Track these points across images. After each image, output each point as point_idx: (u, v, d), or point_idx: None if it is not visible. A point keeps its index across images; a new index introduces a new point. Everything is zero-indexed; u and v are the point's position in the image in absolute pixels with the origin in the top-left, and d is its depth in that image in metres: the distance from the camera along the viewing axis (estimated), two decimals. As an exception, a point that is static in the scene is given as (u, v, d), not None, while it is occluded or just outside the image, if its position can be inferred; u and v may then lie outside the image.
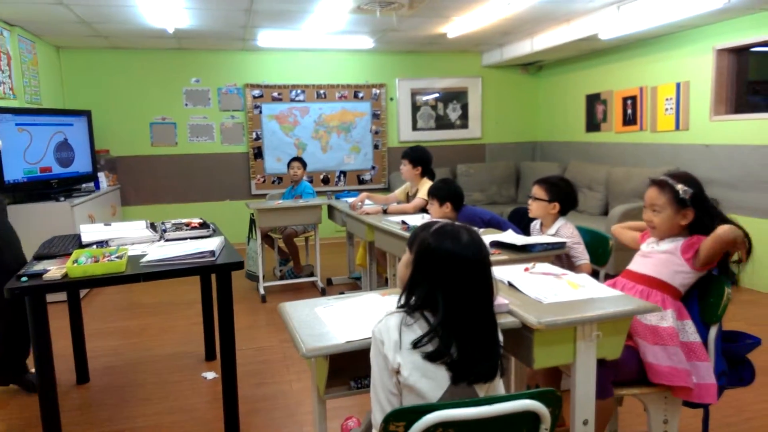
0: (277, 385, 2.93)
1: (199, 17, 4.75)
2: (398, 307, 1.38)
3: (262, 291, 4.52)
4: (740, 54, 4.66)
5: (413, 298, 1.36)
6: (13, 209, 4.36)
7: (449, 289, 1.31)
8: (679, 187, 1.92)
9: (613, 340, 1.67)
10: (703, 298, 1.96)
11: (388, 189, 6.83)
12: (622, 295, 1.77)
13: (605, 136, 6.02)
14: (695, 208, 1.92)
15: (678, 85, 4.99)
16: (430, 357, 1.29)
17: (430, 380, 1.28)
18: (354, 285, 4.84)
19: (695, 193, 1.92)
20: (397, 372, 1.29)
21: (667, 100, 5.12)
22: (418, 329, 1.31)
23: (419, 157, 3.91)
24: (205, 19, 4.81)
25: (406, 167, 3.93)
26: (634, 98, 5.54)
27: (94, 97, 5.94)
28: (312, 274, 4.91)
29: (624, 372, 1.84)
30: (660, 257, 1.97)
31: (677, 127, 5.03)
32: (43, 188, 4.65)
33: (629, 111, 5.62)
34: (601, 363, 1.77)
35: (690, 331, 1.88)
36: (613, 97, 5.84)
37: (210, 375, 3.05)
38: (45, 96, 5.36)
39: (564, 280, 1.88)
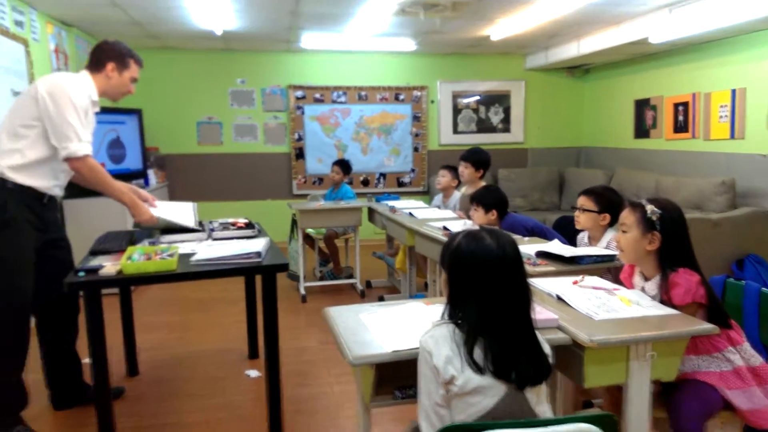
0: (318, 386, 2.96)
1: (247, 19, 4.84)
2: (445, 320, 1.40)
3: (302, 291, 4.57)
4: (802, 60, 4.45)
5: (457, 311, 1.39)
6: (69, 204, 4.54)
7: (481, 292, 1.34)
8: (649, 207, 1.87)
9: (668, 361, 1.62)
10: (762, 317, 1.88)
11: (427, 192, 6.81)
12: (679, 314, 1.71)
13: (655, 143, 5.85)
14: (663, 234, 1.84)
15: (733, 92, 4.80)
16: (479, 370, 1.29)
17: (485, 389, 1.29)
18: (393, 288, 4.84)
19: (663, 215, 1.85)
20: (449, 383, 1.29)
21: (721, 107, 4.93)
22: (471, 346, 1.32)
23: (483, 160, 3.91)
24: (252, 20, 4.90)
25: (468, 170, 3.91)
26: (685, 104, 5.36)
27: (145, 96, 6.10)
28: (351, 276, 4.94)
29: (714, 413, 1.77)
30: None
31: (732, 136, 4.84)
32: (95, 184, 4.81)
33: (680, 117, 5.44)
34: (693, 407, 1.71)
35: (748, 355, 1.80)
36: (663, 103, 5.66)
37: (253, 373, 3.11)
38: (99, 95, 5.55)
39: (616, 295, 1.83)
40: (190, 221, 2.89)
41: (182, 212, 2.96)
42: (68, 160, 2.42)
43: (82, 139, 2.42)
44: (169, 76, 6.22)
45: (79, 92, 2.45)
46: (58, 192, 2.59)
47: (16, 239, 2.38)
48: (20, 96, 2.51)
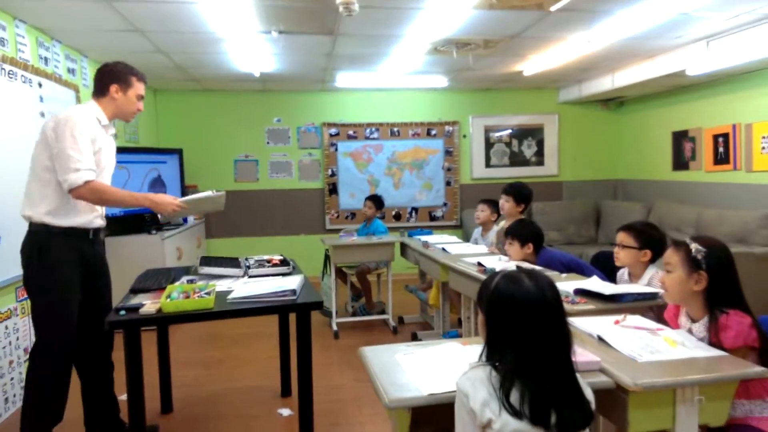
0: (350, 426, 2.91)
1: (284, 62, 5.00)
2: (483, 362, 1.39)
3: (335, 327, 4.56)
4: None
5: (494, 353, 1.37)
6: (110, 241, 4.69)
7: (518, 335, 1.32)
8: (693, 246, 1.81)
9: (717, 405, 1.55)
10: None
11: (459, 226, 6.78)
12: (727, 356, 1.64)
13: (694, 175, 5.70)
14: (710, 274, 1.78)
15: (776, 122, 4.67)
16: (516, 414, 1.26)
17: None
18: (426, 325, 4.78)
19: (709, 254, 1.79)
20: (486, 426, 1.27)
21: (763, 138, 4.80)
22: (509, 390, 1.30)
23: (525, 195, 3.85)
24: (289, 63, 5.06)
25: (509, 203, 3.87)
26: (726, 136, 5.23)
27: (185, 136, 6.35)
28: (383, 312, 4.90)
29: None
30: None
31: (776, 167, 4.69)
32: (137, 221, 4.98)
33: (721, 149, 5.30)
34: None
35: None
36: (702, 135, 5.54)
37: (285, 412, 3.09)
38: (142, 135, 5.79)
39: (660, 336, 1.76)
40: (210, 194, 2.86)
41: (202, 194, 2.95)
42: (71, 191, 2.41)
43: (80, 168, 2.39)
44: (208, 116, 6.45)
45: (81, 122, 2.44)
46: (100, 222, 2.63)
47: (62, 280, 2.46)
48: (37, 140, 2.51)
